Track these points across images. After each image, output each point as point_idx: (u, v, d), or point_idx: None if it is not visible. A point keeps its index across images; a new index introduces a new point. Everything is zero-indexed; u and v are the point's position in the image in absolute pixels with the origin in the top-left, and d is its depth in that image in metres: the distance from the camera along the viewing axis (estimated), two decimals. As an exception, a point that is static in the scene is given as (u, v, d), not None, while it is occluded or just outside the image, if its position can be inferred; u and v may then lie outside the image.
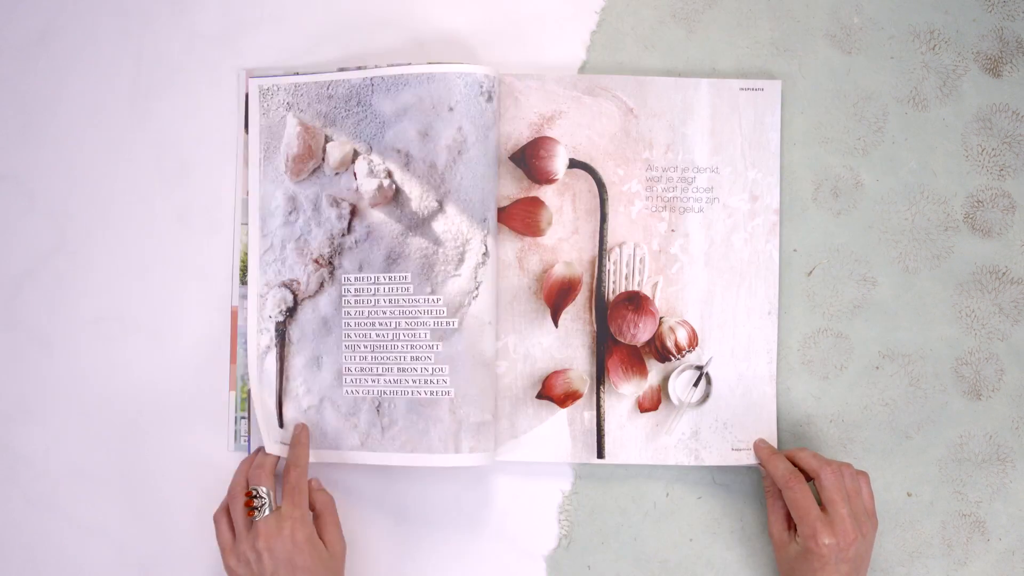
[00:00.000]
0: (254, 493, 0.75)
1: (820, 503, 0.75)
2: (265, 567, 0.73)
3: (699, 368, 0.82)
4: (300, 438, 0.79)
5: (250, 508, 0.75)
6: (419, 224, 0.80)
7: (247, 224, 0.83)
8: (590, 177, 0.83)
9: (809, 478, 0.77)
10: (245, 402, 0.83)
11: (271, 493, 0.75)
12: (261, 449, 0.79)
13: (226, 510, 0.77)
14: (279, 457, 0.79)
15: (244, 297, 0.83)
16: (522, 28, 0.85)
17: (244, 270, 0.84)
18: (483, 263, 0.80)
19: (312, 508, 0.77)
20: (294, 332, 0.82)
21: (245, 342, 0.83)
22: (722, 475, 0.83)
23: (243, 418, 0.83)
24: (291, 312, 0.82)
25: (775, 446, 0.82)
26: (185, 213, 0.84)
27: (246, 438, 0.83)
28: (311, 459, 0.80)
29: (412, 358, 0.80)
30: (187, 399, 0.84)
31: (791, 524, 0.78)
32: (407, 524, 0.83)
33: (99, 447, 0.83)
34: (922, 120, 0.84)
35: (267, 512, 0.74)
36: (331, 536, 0.76)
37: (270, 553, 0.72)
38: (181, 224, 0.84)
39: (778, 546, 0.78)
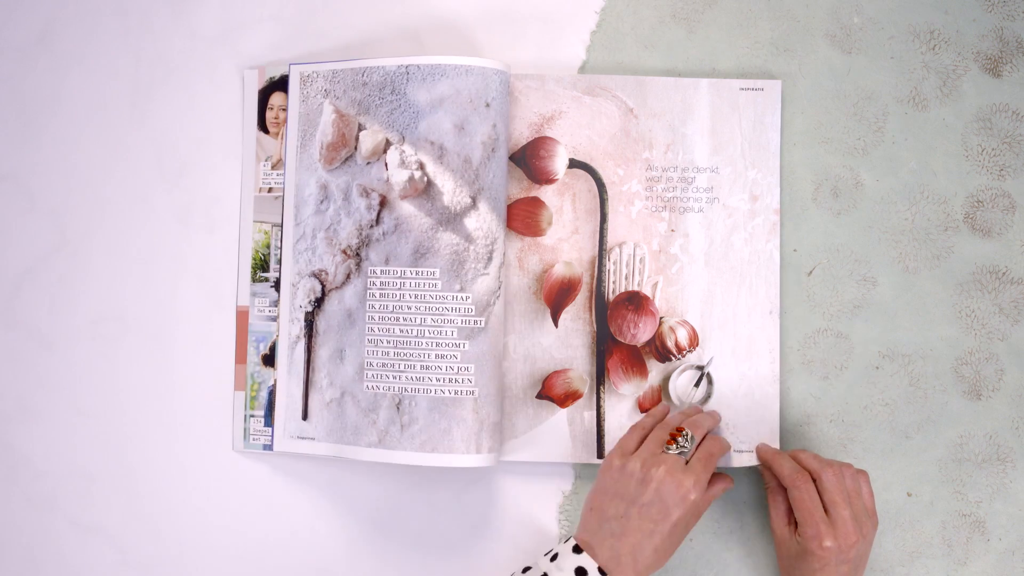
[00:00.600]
0: (684, 433, 0.74)
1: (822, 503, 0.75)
2: (644, 492, 0.72)
3: (700, 368, 0.82)
4: (718, 418, 0.80)
5: (673, 440, 0.74)
6: (450, 219, 0.79)
7: (260, 221, 0.83)
8: (590, 177, 0.83)
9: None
10: (254, 400, 0.83)
11: (695, 443, 0.75)
12: (696, 407, 0.80)
13: (646, 428, 0.77)
14: (719, 422, 0.79)
15: (254, 295, 0.83)
16: (522, 28, 0.85)
17: (255, 267, 0.84)
18: (504, 262, 0.80)
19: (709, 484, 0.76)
20: (321, 323, 0.81)
21: (256, 340, 0.83)
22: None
23: (252, 416, 0.83)
24: (319, 303, 0.81)
25: (778, 447, 0.82)
26: (185, 213, 0.84)
27: (255, 436, 0.83)
28: (327, 452, 0.80)
29: (437, 356, 0.79)
30: (187, 399, 0.84)
31: (792, 521, 0.77)
32: (407, 524, 0.83)
33: (99, 447, 0.83)
34: (922, 120, 0.84)
35: (685, 455, 0.74)
36: (713, 483, 0.75)
37: (658, 486, 0.72)
38: (181, 224, 0.84)
39: (779, 542, 0.78)
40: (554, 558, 0.72)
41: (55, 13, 0.85)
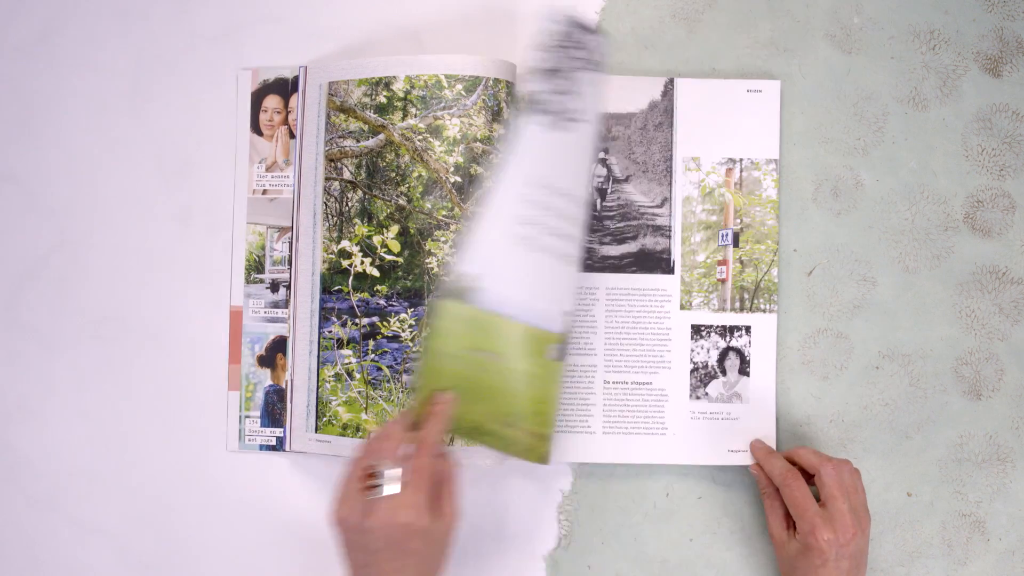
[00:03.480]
0: (374, 471, 0.70)
1: (818, 499, 0.75)
2: (372, 542, 0.68)
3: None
4: (439, 411, 0.73)
5: (366, 486, 0.70)
6: None
7: (254, 223, 0.83)
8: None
9: (807, 476, 0.77)
10: (250, 401, 0.83)
11: (392, 472, 0.70)
12: (400, 416, 0.75)
13: (350, 471, 0.72)
14: (408, 428, 0.73)
15: (249, 296, 0.83)
16: (522, 28, 0.85)
17: (249, 269, 0.84)
18: None
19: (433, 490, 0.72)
20: None
21: (250, 341, 0.83)
22: (722, 475, 0.83)
23: (247, 417, 0.83)
24: None
25: (774, 446, 0.82)
26: (185, 213, 0.84)
27: (250, 437, 0.83)
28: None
29: None
30: (187, 399, 0.84)
31: (790, 523, 0.78)
32: (407, 524, 0.83)
33: (99, 447, 0.83)
34: (922, 120, 0.84)
35: (384, 492, 0.69)
36: (447, 507, 0.71)
37: (383, 534, 0.68)
38: (181, 224, 0.84)
39: (778, 545, 0.78)
40: None
41: (55, 13, 0.85)
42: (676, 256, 0.83)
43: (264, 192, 0.84)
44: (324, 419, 0.81)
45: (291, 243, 0.83)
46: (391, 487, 0.69)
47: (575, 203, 0.75)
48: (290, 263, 0.83)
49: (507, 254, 0.74)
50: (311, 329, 0.82)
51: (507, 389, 0.75)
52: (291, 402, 0.82)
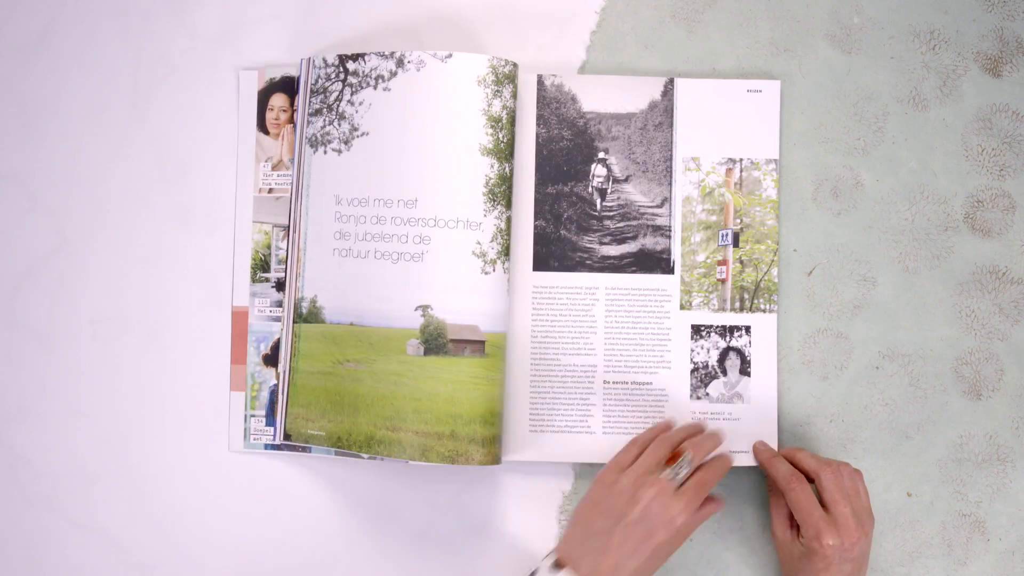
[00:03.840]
0: (682, 457, 0.73)
1: (821, 502, 0.75)
2: (629, 511, 0.71)
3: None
4: (721, 437, 0.77)
5: (670, 462, 0.73)
6: None
7: (260, 222, 0.83)
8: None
9: (809, 479, 0.77)
10: (255, 400, 0.83)
11: (691, 467, 0.73)
12: (700, 423, 0.78)
13: (645, 443, 0.76)
14: (721, 442, 0.76)
15: (254, 295, 0.83)
16: (522, 27, 0.85)
17: (255, 268, 0.84)
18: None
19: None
20: None
21: (256, 340, 0.83)
22: (722, 475, 0.83)
23: (252, 416, 0.83)
24: None
25: (775, 447, 0.82)
26: (185, 213, 0.84)
27: (255, 436, 0.83)
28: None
29: None
30: (188, 399, 0.83)
31: (794, 524, 0.78)
32: (407, 524, 0.83)
33: (99, 447, 0.83)
34: (922, 120, 0.84)
35: (678, 479, 0.72)
36: (691, 526, 0.73)
37: (645, 509, 0.71)
38: (181, 224, 0.84)
39: (781, 547, 0.78)
40: (533, 574, 0.72)
41: (55, 13, 0.85)
42: (676, 256, 0.83)
43: (270, 191, 0.84)
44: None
45: (288, 239, 0.83)
46: (682, 477, 0.72)
47: (390, 206, 0.79)
48: (286, 259, 0.83)
49: (335, 269, 0.80)
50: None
51: (382, 393, 0.79)
52: (283, 395, 0.82)
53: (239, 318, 0.84)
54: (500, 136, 0.80)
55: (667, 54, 0.84)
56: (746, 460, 0.81)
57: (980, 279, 0.84)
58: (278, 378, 0.82)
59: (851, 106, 0.84)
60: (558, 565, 0.71)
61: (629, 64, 0.84)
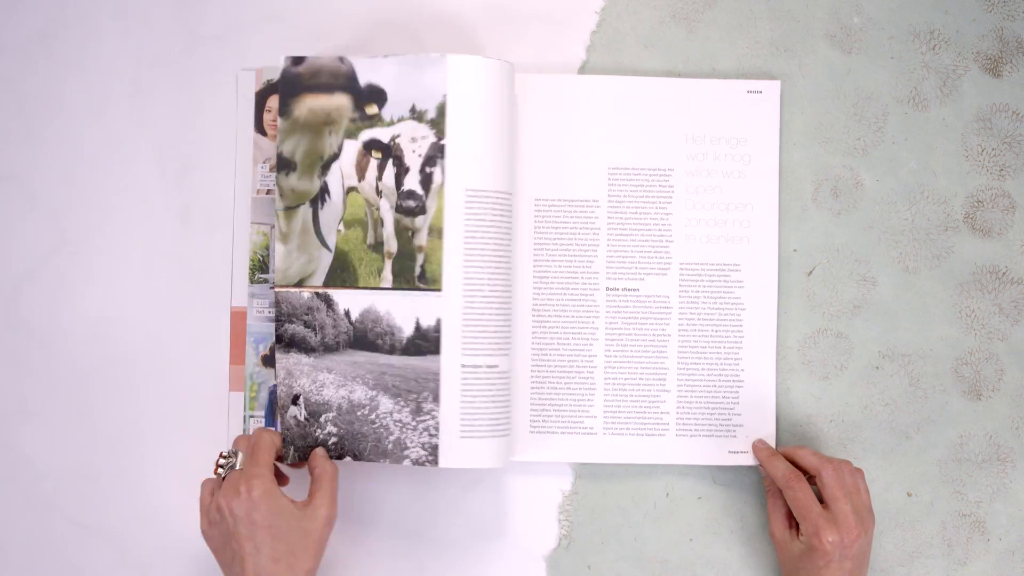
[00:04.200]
0: (225, 454, 0.75)
1: (821, 500, 0.75)
2: (227, 524, 0.71)
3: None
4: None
5: (217, 467, 0.74)
6: None
7: (258, 223, 0.83)
8: (590, 177, 0.83)
9: (809, 477, 0.77)
10: (254, 401, 0.83)
11: (241, 455, 0.74)
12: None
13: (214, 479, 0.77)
14: (274, 431, 0.77)
15: (253, 296, 0.83)
16: (522, 27, 0.85)
17: (253, 269, 0.83)
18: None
19: (311, 474, 0.76)
20: None
21: (255, 341, 0.83)
22: (722, 475, 0.83)
23: (252, 417, 0.83)
24: None
25: (774, 446, 0.82)
26: (185, 213, 0.84)
27: None
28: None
29: None
30: (188, 399, 0.83)
31: (792, 523, 0.78)
32: (407, 524, 0.83)
33: (99, 447, 0.83)
34: (922, 120, 0.84)
35: (231, 465, 0.74)
36: (317, 501, 0.74)
37: (230, 511, 0.71)
38: (181, 224, 0.84)
39: (780, 546, 0.78)
40: None
41: (55, 13, 0.85)
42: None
43: (268, 192, 0.84)
44: None
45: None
46: (235, 463, 0.74)
47: None
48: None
49: None
50: None
51: None
52: (279, 395, 0.82)
53: (237, 319, 0.84)
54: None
55: (667, 54, 0.84)
56: (746, 459, 0.82)
57: (980, 279, 0.84)
58: (277, 379, 0.82)
59: (851, 106, 0.84)
60: None
61: (629, 64, 0.84)
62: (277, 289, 0.79)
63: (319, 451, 0.77)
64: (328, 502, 0.74)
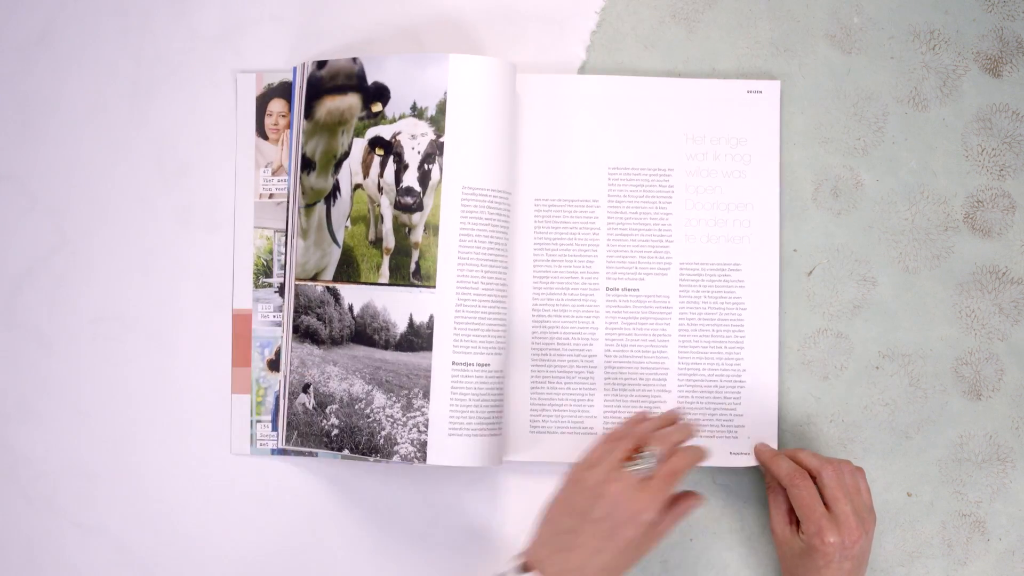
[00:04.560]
0: (646, 450, 0.71)
1: (823, 501, 0.75)
2: (595, 507, 0.69)
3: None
4: (692, 430, 0.73)
5: (631, 456, 0.71)
6: None
7: (261, 227, 0.83)
8: (590, 177, 0.83)
9: (810, 477, 0.77)
10: (260, 406, 0.83)
11: (658, 460, 0.70)
12: (675, 413, 0.76)
13: (615, 438, 0.73)
14: (692, 435, 0.73)
15: (258, 301, 0.83)
16: (522, 28, 0.85)
17: (258, 273, 0.83)
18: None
19: (671, 502, 0.72)
20: None
21: (260, 345, 0.83)
22: (722, 475, 0.83)
23: (258, 422, 0.83)
24: None
25: (776, 448, 0.82)
26: (185, 213, 0.84)
27: (262, 442, 0.83)
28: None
29: None
30: (188, 399, 0.83)
31: (793, 520, 0.78)
32: (407, 524, 0.83)
33: (99, 447, 0.83)
34: (922, 120, 0.84)
35: (642, 471, 0.70)
36: (665, 523, 0.71)
37: (611, 504, 0.68)
38: (181, 224, 0.84)
39: (780, 543, 0.78)
40: None
41: (55, 13, 0.85)
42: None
43: (271, 196, 0.84)
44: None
45: (287, 244, 0.83)
46: (647, 470, 0.70)
47: None
48: (284, 263, 0.83)
49: None
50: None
51: None
52: (284, 400, 0.82)
53: (239, 320, 0.84)
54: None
55: (667, 54, 0.84)
56: (746, 461, 0.81)
57: (980, 279, 0.84)
58: (280, 384, 0.82)
59: (851, 106, 0.84)
60: (525, 568, 0.70)
61: (629, 64, 0.84)
62: (297, 282, 0.80)
63: (693, 493, 0.73)
64: (666, 532, 0.71)
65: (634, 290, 0.83)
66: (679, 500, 0.72)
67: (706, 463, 0.80)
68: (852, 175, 0.84)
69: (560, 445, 0.82)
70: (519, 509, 0.83)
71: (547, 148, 0.83)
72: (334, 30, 0.85)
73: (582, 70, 0.84)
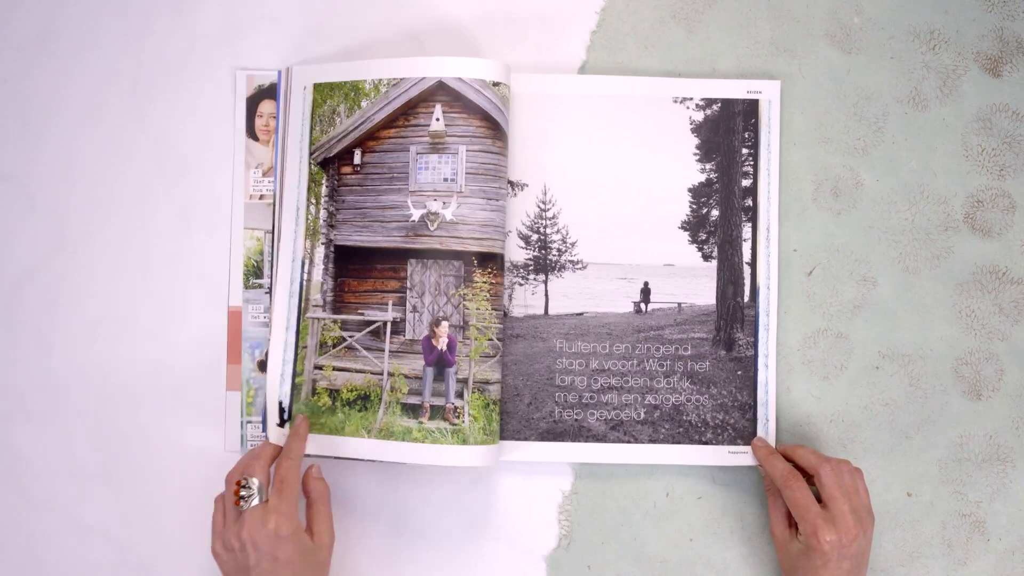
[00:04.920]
0: (244, 483, 0.74)
1: (820, 500, 0.75)
2: (248, 557, 0.72)
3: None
4: (298, 430, 0.79)
5: (237, 498, 0.74)
6: None
7: (251, 228, 0.83)
8: (590, 177, 0.83)
9: (808, 476, 0.77)
10: (251, 406, 0.83)
11: (262, 484, 0.74)
12: (267, 439, 0.80)
13: (221, 497, 0.77)
14: (280, 448, 0.78)
15: (248, 301, 0.83)
16: (522, 28, 0.85)
17: (248, 274, 0.83)
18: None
19: (306, 495, 0.77)
20: None
21: (250, 346, 0.83)
22: (722, 475, 0.83)
23: (249, 422, 0.83)
24: None
25: (774, 446, 0.82)
26: (185, 213, 0.84)
27: (252, 442, 0.83)
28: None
29: None
30: (186, 399, 0.83)
31: (792, 522, 0.78)
32: (408, 524, 0.83)
33: (99, 447, 0.83)
34: (922, 120, 0.84)
35: (255, 503, 0.73)
36: (320, 527, 0.75)
37: (253, 545, 0.72)
38: (181, 224, 0.84)
39: (780, 544, 0.78)
40: None
41: (55, 13, 0.85)
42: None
43: (261, 197, 0.84)
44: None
45: (273, 245, 0.83)
46: (259, 497, 0.74)
47: None
48: (271, 266, 0.83)
49: None
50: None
51: None
52: (267, 399, 0.82)
53: (235, 318, 0.84)
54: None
55: (667, 54, 0.84)
56: (746, 459, 0.82)
57: (980, 279, 0.84)
58: (270, 384, 0.82)
59: (851, 106, 0.84)
60: None
61: (629, 64, 0.84)
62: None
63: (312, 470, 0.78)
64: (328, 526, 0.76)
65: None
66: (307, 482, 0.77)
67: (705, 462, 0.81)
68: (852, 175, 0.84)
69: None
70: (518, 509, 0.83)
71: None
72: (333, 32, 0.85)
73: (582, 70, 0.84)
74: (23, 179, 0.85)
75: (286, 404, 0.81)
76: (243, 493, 0.74)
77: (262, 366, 0.83)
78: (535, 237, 0.83)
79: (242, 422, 0.83)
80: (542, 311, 0.83)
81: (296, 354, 0.81)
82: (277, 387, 0.81)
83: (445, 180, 0.80)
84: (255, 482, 0.74)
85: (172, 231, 0.84)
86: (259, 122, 0.84)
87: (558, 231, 0.83)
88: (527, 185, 0.83)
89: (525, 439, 0.82)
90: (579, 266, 0.83)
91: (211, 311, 0.84)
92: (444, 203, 0.80)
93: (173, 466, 0.83)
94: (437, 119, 0.80)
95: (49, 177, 0.85)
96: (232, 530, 0.73)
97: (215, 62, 0.85)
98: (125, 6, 0.85)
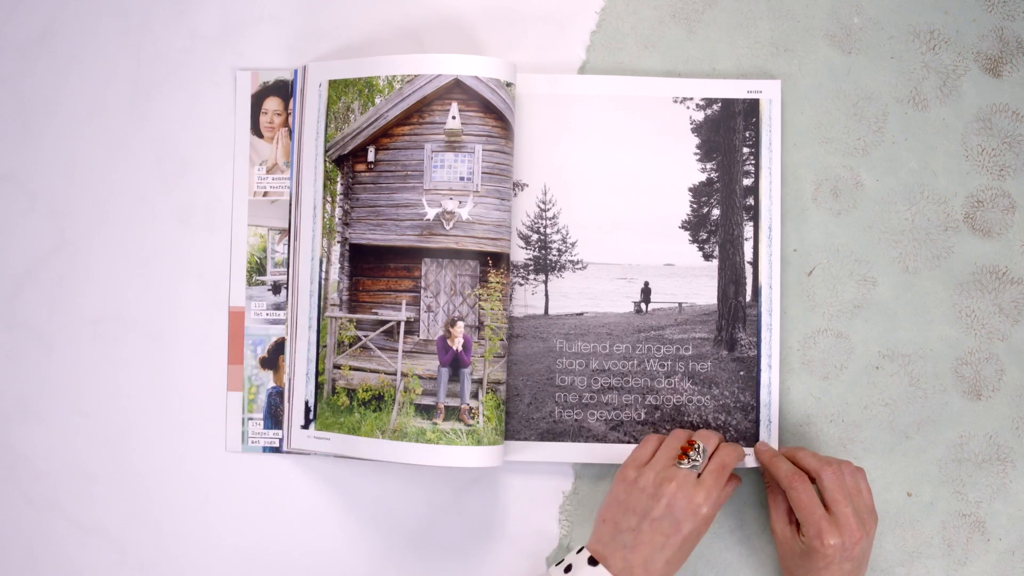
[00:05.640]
0: (696, 445, 0.75)
1: (823, 502, 0.75)
2: (655, 507, 0.73)
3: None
4: (740, 448, 0.78)
5: (684, 454, 0.75)
6: None
7: (255, 225, 0.83)
8: (590, 177, 0.83)
9: (810, 478, 0.77)
10: (252, 403, 0.83)
11: (707, 456, 0.75)
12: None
13: (661, 438, 0.78)
14: (740, 448, 0.78)
15: (251, 298, 0.83)
16: (522, 28, 0.85)
17: (251, 271, 0.83)
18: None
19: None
20: None
21: (253, 343, 0.83)
22: (722, 475, 0.83)
23: (250, 419, 0.83)
24: None
25: (776, 447, 0.82)
26: (185, 213, 0.84)
27: (254, 439, 0.83)
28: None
29: None
30: (188, 399, 0.83)
31: (793, 520, 0.78)
32: (408, 524, 0.83)
33: (99, 447, 0.83)
34: (922, 120, 0.84)
35: (696, 467, 0.74)
36: (713, 509, 0.75)
37: (670, 503, 0.73)
38: (181, 224, 0.84)
39: (780, 544, 0.78)
40: (568, 569, 0.73)
41: (55, 13, 0.85)
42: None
43: (265, 194, 0.84)
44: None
45: (289, 244, 0.83)
46: (700, 465, 0.75)
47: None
48: (288, 264, 0.83)
49: None
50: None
51: None
52: (289, 401, 0.82)
53: (236, 318, 0.84)
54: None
55: (667, 54, 0.84)
56: (748, 462, 0.81)
57: (980, 279, 0.84)
58: (284, 384, 0.82)
59: (851, 106, 0.84)
60: (592, 562, 0.73)
61: (629, 64, 0.84)
62: None
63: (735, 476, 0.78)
64: (713, 515, 0.75)
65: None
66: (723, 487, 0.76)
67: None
68: (852, 175, 0.84)
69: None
70: (519, 509, 0.83)
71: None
72: (334, 30, 0.85)
73: (582, 70, 0.84)
74: (23, 179, 0.85)
75: (311, 404, 0.81)
76: (691, 454, 0.75)
77: (264, 363, 0.83)
78: (535, 237, 0.83)
79: (243, 419, 0.83)
80: (542, 311, 0.83)
81: (318, 353, 0.81)
82: (303, 387, 0.81)
83: (462, 179, 0.80)
84: (706, 451, 0.75)
85: (172, 231, 0.84)
86: (263, 119, 0.84)
87: (558, 231, 0.83)
88: (527, 185, 0.83)
89: (525, 439, 0.82)
90: (579, 266, 0.83)
91: (211, 311, 0.84)
92: (460, 202, 0.80)
93: (173, 466, 0.83)
94: (453, 117, 0.79)
95: (49, 177, 0.85)
96: (657, 474, 0.74)
97: (215, 62, 0.85)
98: (125, 6, 0.85)
